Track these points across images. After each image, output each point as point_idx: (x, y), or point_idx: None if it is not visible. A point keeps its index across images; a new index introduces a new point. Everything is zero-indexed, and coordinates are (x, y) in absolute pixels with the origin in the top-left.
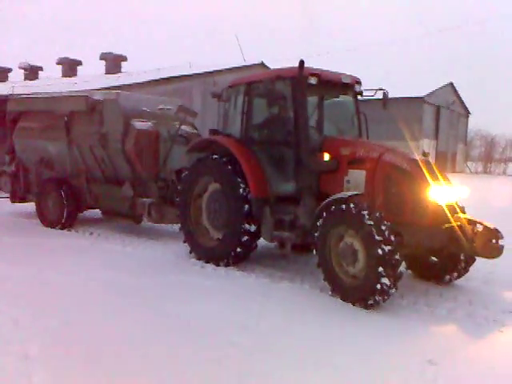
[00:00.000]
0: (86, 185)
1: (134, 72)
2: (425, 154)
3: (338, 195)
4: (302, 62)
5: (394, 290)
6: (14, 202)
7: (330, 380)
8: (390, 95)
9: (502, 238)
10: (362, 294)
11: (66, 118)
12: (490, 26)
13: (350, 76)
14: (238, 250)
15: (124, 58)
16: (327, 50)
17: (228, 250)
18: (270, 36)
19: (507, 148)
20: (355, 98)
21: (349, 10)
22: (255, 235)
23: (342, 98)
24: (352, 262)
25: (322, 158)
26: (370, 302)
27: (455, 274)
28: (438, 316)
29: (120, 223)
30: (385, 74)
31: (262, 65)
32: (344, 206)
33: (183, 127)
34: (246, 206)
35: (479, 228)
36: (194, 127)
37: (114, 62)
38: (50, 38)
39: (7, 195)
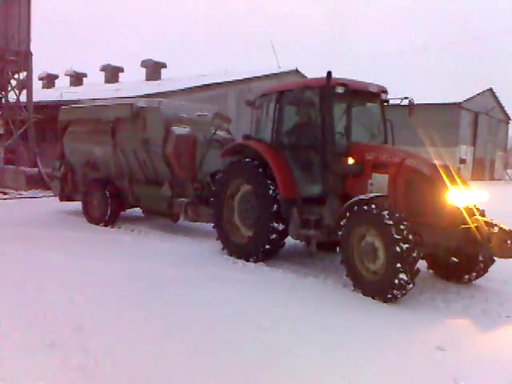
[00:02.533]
0: (129, 185)
1: (172, 79)
2: (461, 161)
3: (361, 197)
4: (329, 73)
5: (411, 286)
6: (62, 201)
7: (348, 361)
8: (428, 101)
9: None
10: (382, 288)
11: (111, 124)
12: None
13: (377, 85)
14: (267, 246)
15: (163, 65)
16: (359, 55)
17: (258, 247)
18: (303, 43)
19: None
20: (381, 105)
21: (384, 13)
22: (283, 233)
23: (368, 105)
24: (373, 259)
25: (347, 162)
26: (389, 296)
27: (474, 274)
28: (453, 311)
29: (158, 221)
30: (423, 80)
31: (297, 71)
32: (366, 207)
33: (218, 132)
34: (275, 206)
35: (495, 229)
36: (229, 132)
37: (153, 69)
38: (93, 44)
39: (51, 194)
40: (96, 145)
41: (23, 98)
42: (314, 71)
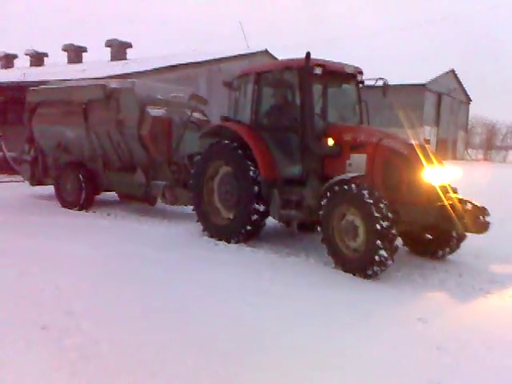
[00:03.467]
0: (103, 168)
1: (139, 59)
2: (425, 142)
3: (341, 177)
4: (308, 54)
5: (390, 262)
6: (32, 185)
7: (332, 335)
8: (392, 82)
9: (488, 215)
10: (362, 265)
11: (83, 106)
12: (493, 13)
13: (353, 66)
14: (248, 228)
15: (129, 45)
16: (328, 37)
17: (239, 228)
18: (273, 23)
19: (508, 135)
20: (357, 86)
21: None
22: (264, 214)
23: (344, 86)
24: (353, 237)
25: (326, 143)
26: (369, 272)
27: (448, 250)
28: (430, 285)
29: (134, 205)
30: (385, 61)
31: (266, 52)
32: (346, 187)
33: (194, 114)
34: (256, 188)
35: (468, 206)
36: (204, 114)
37: (119, 49)
38: (54, 24)
39: (22, 179)
40: (68, 127)
41: None
42: (283, 53)
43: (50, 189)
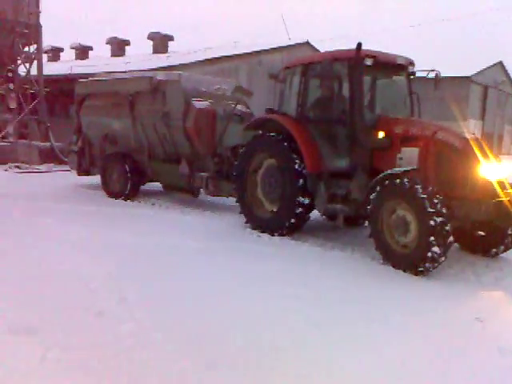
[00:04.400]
0: (148, 160)
1: (181, 52)
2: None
3: (392, 170)
4: (359, 45)
5: (443, 259)
6: (79, 175)
7: (386, 334)
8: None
9: None
10: (413, 261)
11: (130, 98)
12: None
13: (404, 57)
14: (292, 221)
15: (171, 38)
16: (373, 29)
17: (283, 221)
18: (314, 15)
19: None
20: (408, 78)
21: None
22: (308, 208)
23: (395, 78)
24: (403, 232)
25: (377, 135)
26: (421, 269)
27: (502, 248)
28: (485, 283)
29: (178, 195)
30: (433, 54)
31: (308, 44)
32: (398, 181)
33: (238, 106)
34: (301, 181)
35: None
36: (247, 106)
37: (161, 42)
38: (98, 17)
39: (65, 168)
40: (114, 118)
41: (33, 71)
42: (324, 44)
43: (95, 179)
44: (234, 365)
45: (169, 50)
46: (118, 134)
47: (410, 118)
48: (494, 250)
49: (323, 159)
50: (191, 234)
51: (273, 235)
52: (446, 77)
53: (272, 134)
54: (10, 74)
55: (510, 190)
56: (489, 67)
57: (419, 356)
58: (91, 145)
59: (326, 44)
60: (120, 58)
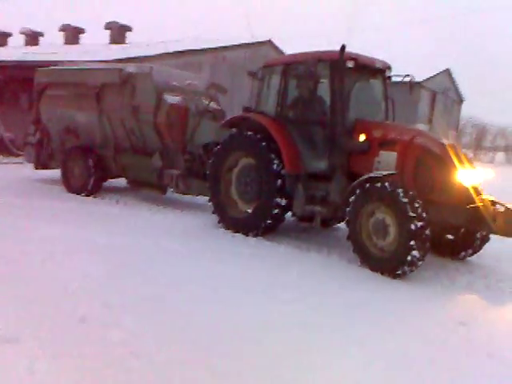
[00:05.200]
0: (114, 154)
1: (140, 44)
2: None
3: (373, 174)
4: (343, 47)
5: (421, 263)
6: (37, 169)
7: (375, 336)
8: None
9: None
10: (392, 264)
11: (97, 90)
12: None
13: (382, 61)
14: (269, 221)
15: (129, 29)
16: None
17: (258, 222)
18: (277, 13)
19: (497, 137)
20: (385, 82)
21: None
22: (285, 208)
23: (372, 81)
24: (382, 235)
25: (358, 139)
26: (399, 272)
27: (470, 251)
28: (459, 287)
29: (142, 193)
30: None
31: (270, 42)
32: (379, 184)
33: (206, 102)
34: (279, 181)
35: (500, 208)
36: (218, 103)
37: (118, 32)
38: (51, 2)
39: (16, 160)
40: (78, 110)
41: None
42: (286, 44)
43: (51, 172)
44: (235, 372)
45: (126, 41)
46: (80, 127)
47: (388, 122)
48: (463, 253)
49: (302, 160)
50: (165, 233)
51: (247, 235)
52: (398, 82)
53: (249, 132)
54: None
55: (483, 196)
56: (437, 74)
57: (413, 357)
58: (50, 137)
59: (289, 43)
60: (75, 46)
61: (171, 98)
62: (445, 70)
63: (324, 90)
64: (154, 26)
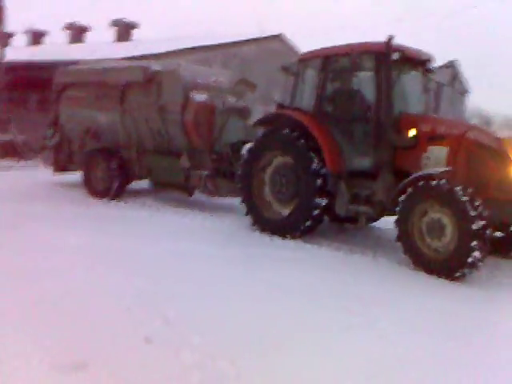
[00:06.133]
0: (137, 156)
1: (148, 41)
2: None
3: (427, 171)
4: (390, 38)
5: (481, 263)
6: (56, 172)
7: (443, 347)
8: None
9: None
10: (451, 266)
11: (120, 89)
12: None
13: (426, 53)
14: (308, 223)
15: (135, 26)
16: (333, 27)
17: (298, 224)
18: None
19: (502, 127)
20: (427, 74)
21: None
22: (325, 209)
23: (414, 73)
24: (437, 236)
25: (404, 133)
26: (458, 274)
27: None
28: None
29: (166, 195)
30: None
31: (280, 37)
32: (434, 183)
33: (233, 100)
34: (319, 181)
35: None
36: (245, 100)
37: (124, 29)
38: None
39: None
40: (99, 111)
41: None
42: (295, 38)
43: (69, 176)
44: None
45: (133, 38)
46: (102, 128)
47: (435, 115)
48: None
49: (343, 158)
50: (199, 238)
51: (284, 238)
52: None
53: (285, 130)
54: None
55: None
56: (443, 65)
57: (478, 365)
58: (70, 139)
59: (298, 37)
60: (81, 44)
61: (198, 96)
62: (451, 61)
63: (367, 83)
64: (159, 23)
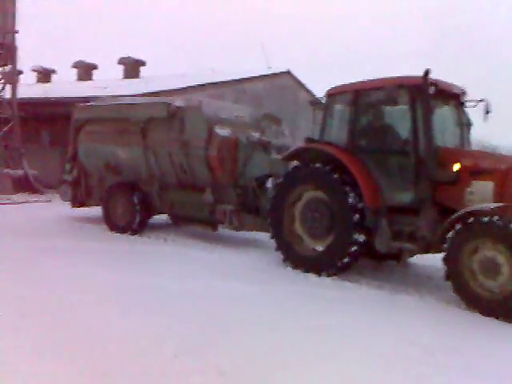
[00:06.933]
0: (159, 190)
1: (157, 77)
2: None
3: (477, 207)
4: (427, 72)
5: None
6: (74, 207)
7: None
8: None
9: None
10: (510, 307)
11: (142, 125)
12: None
13: (459, 87)
14: (346, 260)
15: (143, 63)
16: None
17: (334, 260)
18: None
19: None
20: (460, 107)
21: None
22: (363, 245)
23: (448, 107)
24: (492, 276)
25: (448, 168)
26: None
27: None
28: None
29: (186, 229)
30: None
31: (288, 73)
32: (486, 219)
33: (255, 134)
34: (356, 216)
35: None
36: (268, 135)
37: (132, 67)
38: (62, 40)
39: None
40: (120, 146)
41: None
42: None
43: (84, 211)
44: None
45: (140, 75)
46: (123, 163)
47: (475, 149)
48: None
49: (381, 192)
50: (229, 275)
51: (320, 275)
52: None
53: (317, 164)
54: None
55: None
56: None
57: None
58: (88, 174)
59: (304, 72)
60: (89, 81)
61: (222, 131)
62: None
63: (401, 116)
64: (164, 60)
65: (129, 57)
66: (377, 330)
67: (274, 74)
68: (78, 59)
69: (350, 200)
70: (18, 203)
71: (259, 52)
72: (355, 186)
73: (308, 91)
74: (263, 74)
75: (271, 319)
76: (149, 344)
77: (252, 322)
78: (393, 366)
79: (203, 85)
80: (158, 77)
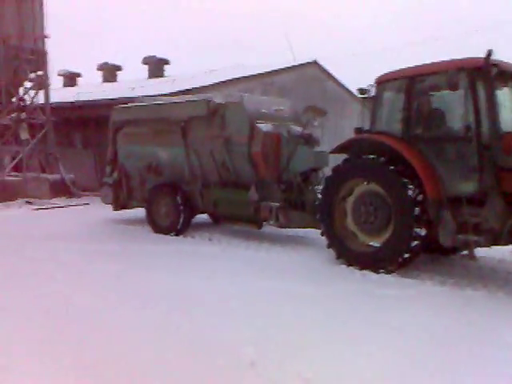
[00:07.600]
0: (202, 189)
1: (182, 76)
2: None
3: None
4: (489, 53)
5: None
6: (116, 210)
7: None
8: None
9: None
10: None
11: (182, 124)
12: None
13: None
14: (406, 255)
15: (167, 62)
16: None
17: (394, 256)
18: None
19: None
20: None
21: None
22: (425, 239)
23: (508, 88)
24: None
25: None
26: None
27: None
28: None
29: (228, 228)
30: None
31: (315, 63)
32: None
33: (295, 127)
34: (417, 209)
35: None
36: (310, 128)
37: (156, 66)
38: (86, 45)
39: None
40: (160, 146)
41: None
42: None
43: (124, 213)
44: None
45: (165, 74)
46: (164, 163)
47: None
48: None
49: (442, 183)
50: (285, 275)
51: (377, 272)
52: None
53: (371, 156)
54: (21, 103)
55: None
56: None
57: None
58: (129, 176)
59: (330, 61)
60: (115, 83)
61: (265, 126)
62: None
63: (460, 101)
64: (186, 58)
65: (153, 56)
66: (453, 329)
67: (301, 65)
68: (102, 61)
69: (410, 192)
70: (61, 207)
71: (282, 47)
72: (413, 177)
73: (335, 81)
74: (290, 65)
75: (343, 320)
76: (224, 350)
77: (325, 322)
78: (483, 369)
79: (232, 79)
80: (183, 75)
